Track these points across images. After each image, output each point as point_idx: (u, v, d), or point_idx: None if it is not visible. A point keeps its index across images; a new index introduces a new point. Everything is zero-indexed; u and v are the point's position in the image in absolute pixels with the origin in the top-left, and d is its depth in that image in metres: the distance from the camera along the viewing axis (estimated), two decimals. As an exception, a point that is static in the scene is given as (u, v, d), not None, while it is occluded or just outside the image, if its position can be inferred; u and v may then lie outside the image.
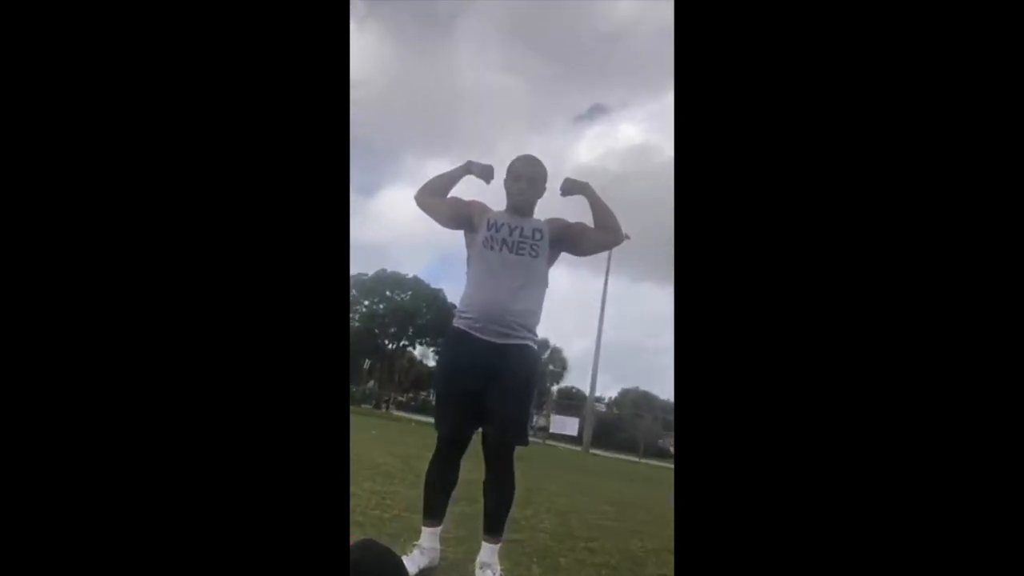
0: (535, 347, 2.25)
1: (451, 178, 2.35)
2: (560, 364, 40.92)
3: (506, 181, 2.31)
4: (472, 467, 2.25)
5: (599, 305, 24.79)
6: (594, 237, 2.31)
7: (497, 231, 2.22)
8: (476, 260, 2.25)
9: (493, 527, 2.21)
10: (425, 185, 2.35)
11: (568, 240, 2.30)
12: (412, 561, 2.09)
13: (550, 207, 2.34)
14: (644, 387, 44.48)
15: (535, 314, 2.23)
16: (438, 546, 2.23)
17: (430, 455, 2.26)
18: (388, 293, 33.72)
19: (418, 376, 38.70)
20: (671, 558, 2.56)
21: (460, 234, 2.33)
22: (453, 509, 2.32)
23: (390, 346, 35.59)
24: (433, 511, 2.22)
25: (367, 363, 36.13)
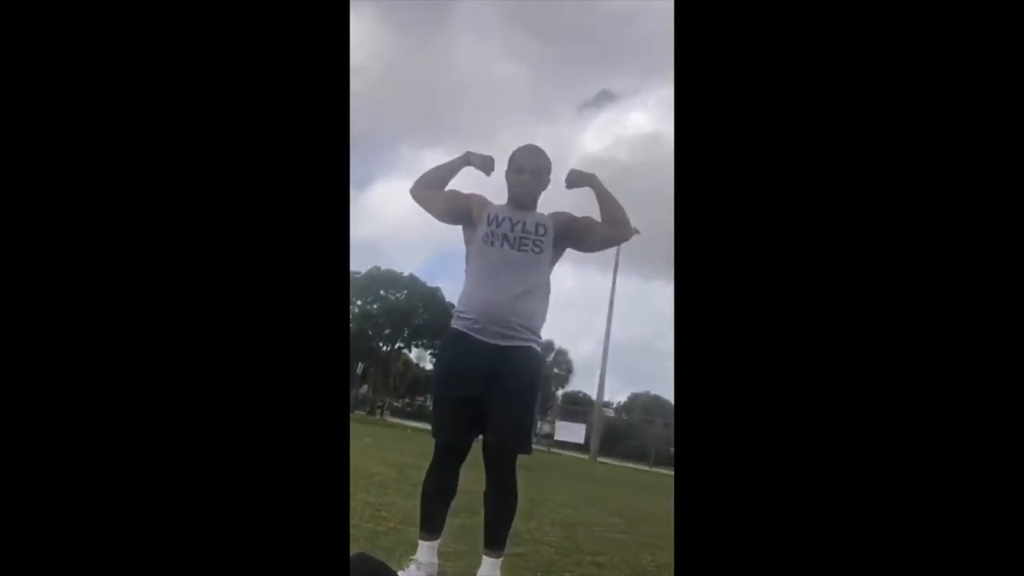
0: (539, 349, 2.22)
1: (449, 170, 2.32)
2: (565, 367, 40.44)
3: (507, 173, 2.27)
4: (472, 476, 2.22)
5: (607, 304, 24.91)
6: (601, 232, 2.27)
7: (498, 226, 2.18)
8: (476, 257, 2.21)
9: (494, 540, 2.17)
10: (421, 177, 2.32)
11: (574, 235, 2.26)
12: (408, 576, 2.06)
13: (554, 200, 2.30)
14: (655, 391, 42.92)
15: (538, 314, 2.21)
16: (436, 560, 2.18)
17: (427, 464, 2.23)
18: (382, 292, 33.23)
19: (414, 380, 38.90)
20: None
21: (459, 229, 2.29)
22: (452, 521, 2.28)
23: (385, 348, 35.51)
24: (431, 523, 2.17)
25: (360, 366, 36.05)
